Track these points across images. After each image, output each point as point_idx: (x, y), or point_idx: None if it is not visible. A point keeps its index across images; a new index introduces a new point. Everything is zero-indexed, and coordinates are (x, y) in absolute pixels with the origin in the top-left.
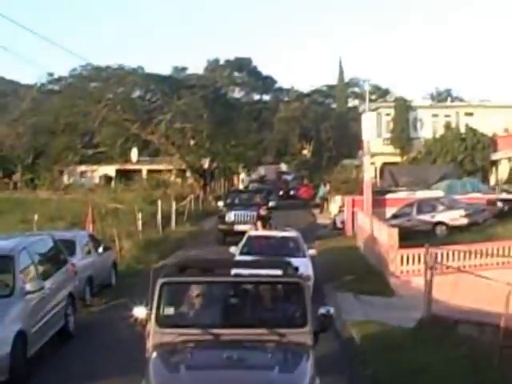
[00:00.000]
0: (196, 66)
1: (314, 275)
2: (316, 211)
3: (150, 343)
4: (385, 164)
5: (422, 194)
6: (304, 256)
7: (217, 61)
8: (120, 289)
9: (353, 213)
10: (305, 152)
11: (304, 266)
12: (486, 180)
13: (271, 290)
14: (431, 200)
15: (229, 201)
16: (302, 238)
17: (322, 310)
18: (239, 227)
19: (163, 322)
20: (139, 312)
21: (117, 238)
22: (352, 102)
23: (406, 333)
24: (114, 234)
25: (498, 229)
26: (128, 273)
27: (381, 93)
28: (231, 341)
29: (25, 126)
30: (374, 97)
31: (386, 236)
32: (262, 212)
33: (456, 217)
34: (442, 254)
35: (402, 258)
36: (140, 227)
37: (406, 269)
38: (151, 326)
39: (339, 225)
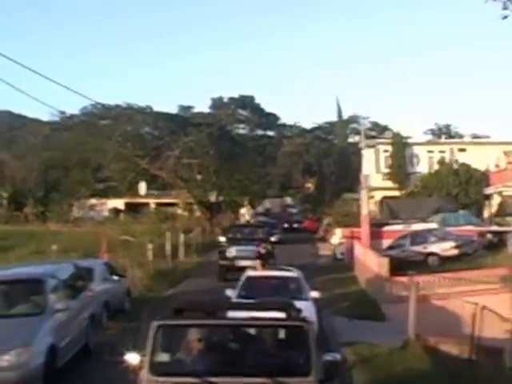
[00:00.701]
0: (201, 104)
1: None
2: (319, 245)
3: None
4: (384, 198)
5: (417, 227)
6: (306, 299)
7: (221, 99)
8: (133, 314)
9: (352, 244)
10: (308, 186)
11: (306, 310)
12: (480, 213)
13: (273, 334)
14: (424, 232)
15: (230, 235)
16: (304, 279)
17: (327, 357)
18: (241, 263)
19: (157, 369)
20: (132, 358)
21: (129, 268)
22: (353, 138)
23: (391, 352)
24: (126, 263)
25: (487, 259)
26: (140, 300)
27: (380, 129)
28: None
29: (37, 161)
30: (373, 133)
31: (378, 265)
32: (262, 250)
33: (447, 248)
34: (428, 281)
35: (392, 285)
36: (150, 258)
37: (397, 295)
38: (144, 373)
39: (339, 256)
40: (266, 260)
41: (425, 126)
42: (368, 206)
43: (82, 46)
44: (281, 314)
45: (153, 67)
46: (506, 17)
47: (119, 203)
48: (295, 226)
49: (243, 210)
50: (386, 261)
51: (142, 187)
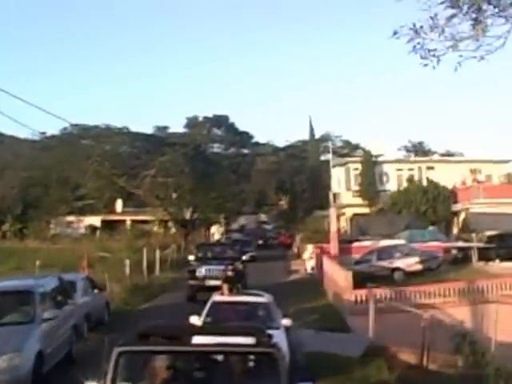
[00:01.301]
0: (177, 123)
1: None
2: (292, 261)
3: None
4: (354, 215)
5: (385, 243)
6: (277, 327)
7: (196, 118)
8: (112, 326)
9: (321, 260)
10: (282, 203)
11: (277, 339)
12: (448, 229)
13: (241, 361)
14: (390, 248)
15: (200, 254)
16: (275, 305)
17: None
18: (210, 282)
19: None
20: None
21: (108, 282)
22: (325, 156)
23: (352, 361)
24: (104, 278)
25: (451, 274)
26: (118, 312)
27: (351, 147)
28: None
29: (16, 180)
30: (345, 151)
31: (343, 279)
32: (229, 273)
33: (411, 263)
34: (389, 294)
35: (356, 297)
36: (128, 273)
37: (360, 307)
38: None
39: (309, 270)
40: (234, 283)
41: (398, 143)
42: (337, 222)
43: (59, 65)
44: (250, 340)
45: (129, 88)
46: (426, 65)
47: (96, 220)
48: (270, 242)
49: (213, 229)
50: (349, 274)
51: (119, 204)
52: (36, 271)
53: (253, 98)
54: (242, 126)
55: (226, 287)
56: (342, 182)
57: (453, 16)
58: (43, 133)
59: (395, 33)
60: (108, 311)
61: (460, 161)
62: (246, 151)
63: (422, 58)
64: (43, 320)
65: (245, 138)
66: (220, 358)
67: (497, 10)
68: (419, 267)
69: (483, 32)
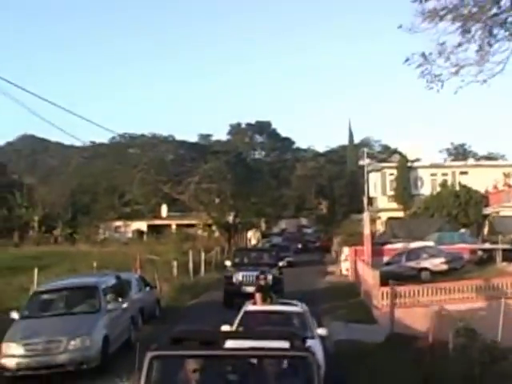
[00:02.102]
0: (220, 131)
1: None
2: (329, 266)
3: None
4: (389, 218)
5: (415, 245)
6: (312, 337)
7: (239, 125)
8: (163, 319)
9: (355, 261)
10: (321, 207)
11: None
12: (480, 232)
13: (275, 365)
14: (418, 249)
15: (237, 260)
16: (310, 314)
17: None
18: (247, 289)
19: None
20: None
21: (157, 282)
22: (363, 161)
23: (375, 346)
24: (154, 278)
25: (474, 273)
26: (167, 308)
27: (389, 152)
28: None
29: (66, 187)
30: (384, 156)
31: (372, 278)
32: (262, 282)
33: (437, 263)
34: (412, 291)
35: (382, 294)
36: (175, 273)
37: (386, 302)
38: None
39: (344, 272)
40: (268, 292)
41: (441, 145)
42: (372, 226)
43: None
44: (283, 344)
45: (176, 97)
46: (431, 88)
47: (142, 225)
48: (309, 245)
49: (250, 233)
50: (377, 273)
51: (164, 210)
52: (94, 272)
53: (295, 104)
54: (283, 132)
55: (258, 296)
56: (378, 186)
57: (460, 44)
58: (93, 142)
59: (407, 59)
60: (159, 307)
61: (494, 165)
62: (286, 157)
63: (428, 82)
64: (107, 311)
65: (286, 143)
66: (254, 361)
67: (507, 33)
68: (444, 267)
69: (486, 58)
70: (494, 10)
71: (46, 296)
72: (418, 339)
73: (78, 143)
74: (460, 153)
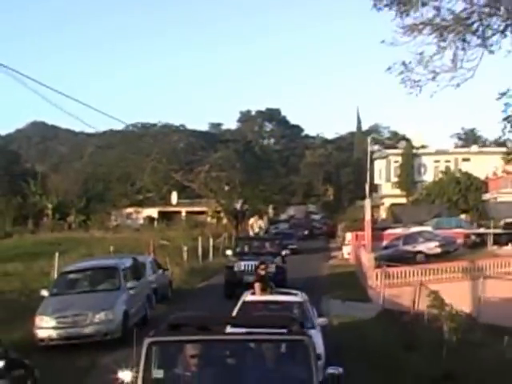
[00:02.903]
0: (230, 120)
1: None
2: (333, 252)
3: None
4: (392, 204)
5: (414, 230)
6: (312, 327)
7: (249, 112)
8: (174, 299)
9: (356, 245)
10: (328, 194)
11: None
12: (480, 217)
13: (273, 349)
14: (414, 234)
15: (238, 249)
16: (310, 304)
17: (330, 370)
18: (249, 279)
19: None
20: (125, 376)
21: (169, 265)
22: (372, 148)
23: (367, 320)
24: (166, 262)
25: (466, 256)
26: (178, 290)
27: (398, 139)
28: None
29: (80, 175)
30: (392, 142)
31: (367, 261)
32: (262, 271)
33: (432, 247)
34: (403, 272)
35: (376, 275)
36: (185, 258)
37: (378, 282)
38: None
39: (346, 255)
40: (268, 282)
41: (452, 130)
42: (373, 212)
43: (123, 72)
44: (281, 328)
45: (188, 86)
46: (411, 93)
47: (153, 212)
48: (315, 231)
49: (252, 220)
50: (371, 256)
51: (174, 197)
52: (111, 255)
53: (305, 91)
54: (293, 120)
55: (258, 286)
56: (383, 173)
57: (436, 53)
58: (104, 131)
59: (389, 68)
60: (171, 288)
61: (497, 152)
62: (296, 144)
63: (408, 87)
64: (126, 289)
65: (295, 131)
66: (252, 345)
67: (480, 40)
68: (438, 250)
69: (459, 65)
70: (468, 21)
71: (71, 276)
72: (404, 314)
73: (88, 130)
74: (470, 138)
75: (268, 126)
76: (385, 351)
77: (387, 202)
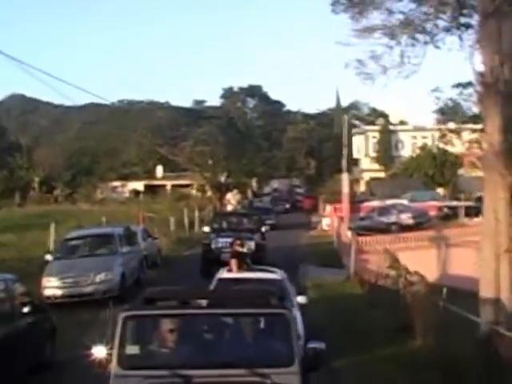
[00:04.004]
0: (213, 96)
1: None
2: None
3: None
4: (371, 179)
5: (389, 202)
6: (291, 305)
7: (231, 89)
8: (163, 266)
9: (332, 217)
10: (310, 168)
11: None
12: (455, 191)
13: (252, 323)
14: (389, 206)
15: (216, 225)
16: (289, 282)
17: (311, 345)
18: (227, 256)
19: (126, 362)
20: (99, 351)
21: (157, 235)
22: (352, 123)
23: (338, 282)
24: (154, 232)
25: (438, 226)
26: (167, 257)
27: (376, 115)
28: None
29: (67, 149)
30: (372, 118)
31: (343, 230)
32: (238, 248)
33: (405, 218)
34: (375, 240)
35: (349, 243)
36: (172, 228)
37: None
38: (112, 367)
39: (325, 227)
40: (244, 258)
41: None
42: (353, 185)
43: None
44: (260, 302)
45: (172, 63)
46: (366, 84)
47: (138, 185)
48: (298, 204)
49: (229, 195)
50: (345, 226)
51: (159, 170)
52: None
53: (286, 68)
54: (274, 95)
55: (234, 263)
56: (362, 148)
57: (385, 52)
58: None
59: (346, 65)
60: (160, 255)
61: (473, 129)
62: (277, 120)
63: (362, 79)
64: (122, 253)
65: (277, 106)
66: (230, 320)
67: (428, 38)
68: (411, 222)
69: (406, 61)
70: (417, 21)
71: (73, 242)
72: (370, 277)
73: (68, 103)
74: (455, 112)
75: (250, 102)
76: (352, 308)
77: (366, 176)
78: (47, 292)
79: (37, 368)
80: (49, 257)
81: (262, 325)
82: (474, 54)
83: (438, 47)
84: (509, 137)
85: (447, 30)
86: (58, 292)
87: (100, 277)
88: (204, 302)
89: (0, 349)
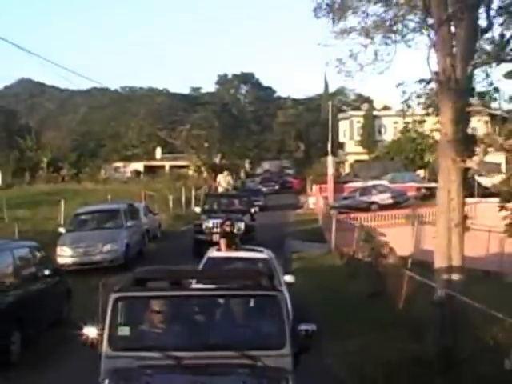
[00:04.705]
0: (208, 83)
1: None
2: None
3: (102, 368)
4: (355, 161)
5: (371, 183)
6: (279, 284)
7: (225, 75)
8: (163, 239)
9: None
10: (299, 150)
11: None
12: (434, 173)
13: (243, 304)
14: (370, 187)
15: (207, 207)
16: (276, 261)
17: (303, 327)
18: (218, 237)
19: (117, 344)
20: (90, 332)
21: (157, 211)
22: (338, 109)
23: (318, 255)
24: (154, 208)
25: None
26: (166, 232)
27: (362, 100)
28: (196, 366)
29: (73, 132)
30: (357, 104)
31: (326, 209)
32: (227, 228)
33: (384, 198)
34: (354, 217)
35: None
36: (171, 205)
37: (331, 226)
38: (103, 348)
39: (311, 205)
40: (233, 238)
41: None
42: (338, 167)
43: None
44: (250, 283)
45: (170, 53)
46: (346, 80)
47: (139, 166)
48: (287, 185)
49: (219, 177)
50: (328, 205)
51: (158, 152)
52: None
53: (277, 55)
54: (265, 82)
55: (223, 242)
56: (347, 133)
57: (361, 51)
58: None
59: (327, 63)
60: (160, 229)
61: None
62: (268, 105)
63: (343, 76)
64: (127, 227)
65: (268, 92)
66: (220, 301)
67: (400, 37)
68: (390, 201)
69: (380, 58)
70: (390, 22)
71: (83, 217)
72: (348, 251)
73: (73, 87)
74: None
75: (243, 88)
76: (331, 277)
77: (351, 158)
78: (61, 260)
79: (55, 323)
80: (62, 229)
81: (253, 306)
82: (430, 54)
83: (409, 46)
84: (459, 127)
85: (415, 30)
86: (71, 260)
87: (107, 247)
88: (194, 283)
89: (33, 303)
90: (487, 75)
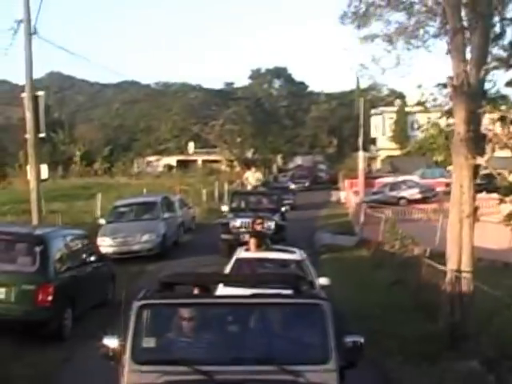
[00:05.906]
0: (242, 77)
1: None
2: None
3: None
4: (387, 156)
5: (401, 179)
6: (312, 288)
7: (259, 70)
8: (197, 231)
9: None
10: (332, 145)
11: None
12: None
13: (282, 313)
14: (399, 182)
15: (234, 205)
16: (310, 262)
17: (349, 339)
18: (246, 237)
19: (141, 356)
20: (111, 343)
21: (192, 204)
22: (360, 108)
23: (348, 247)
24: (189, 202)
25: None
26: (200, 224)
27: (395, 96)
28: (230, 382)
29: (107, 126)
30: (391, 99)
31: (355, 202)
32: (258, 227)
33: (413, 193)
34: (381, 211)
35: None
36: (204, 199)
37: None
38: (126, 361)
39: (342, 200)
40: (263, 238)
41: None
42: (370, 162)
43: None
44: (288, 289)
45: (203, 49)
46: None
47: (172, 160)
48: (320, 180)
49: (247, 173)
50: (358, 199)
51: (191, 146)
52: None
53: (310, 50)
54: (298, 77)
55: (252, 242)
56: (380, 128)
57: (384, 56)
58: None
59: (351, 68)
60: (194, 222)
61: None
62: (301, 100)
63: (365, 79)
64: (163, 218)
65: (301, 87)
66: (256, 310)
67: (419, 43)
68: (418, 196)
69: (401, 63)
70: (412, 28)
71: (121, 209)
72: (377, 243)
73: (102, 81)
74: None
75: (276, 83)
76: (357, 267)
77: (383, 154)
78: (101, 250)
79: (101, 305)
80: (102, 221)
81: (293, 315)
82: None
83: (429, 51)
84: (471, 127)
85: (436, 36)
86: (111, 250)
87: (145, 237)
88: (222, 287)
89: (83, 284)
90: (494, 84)
